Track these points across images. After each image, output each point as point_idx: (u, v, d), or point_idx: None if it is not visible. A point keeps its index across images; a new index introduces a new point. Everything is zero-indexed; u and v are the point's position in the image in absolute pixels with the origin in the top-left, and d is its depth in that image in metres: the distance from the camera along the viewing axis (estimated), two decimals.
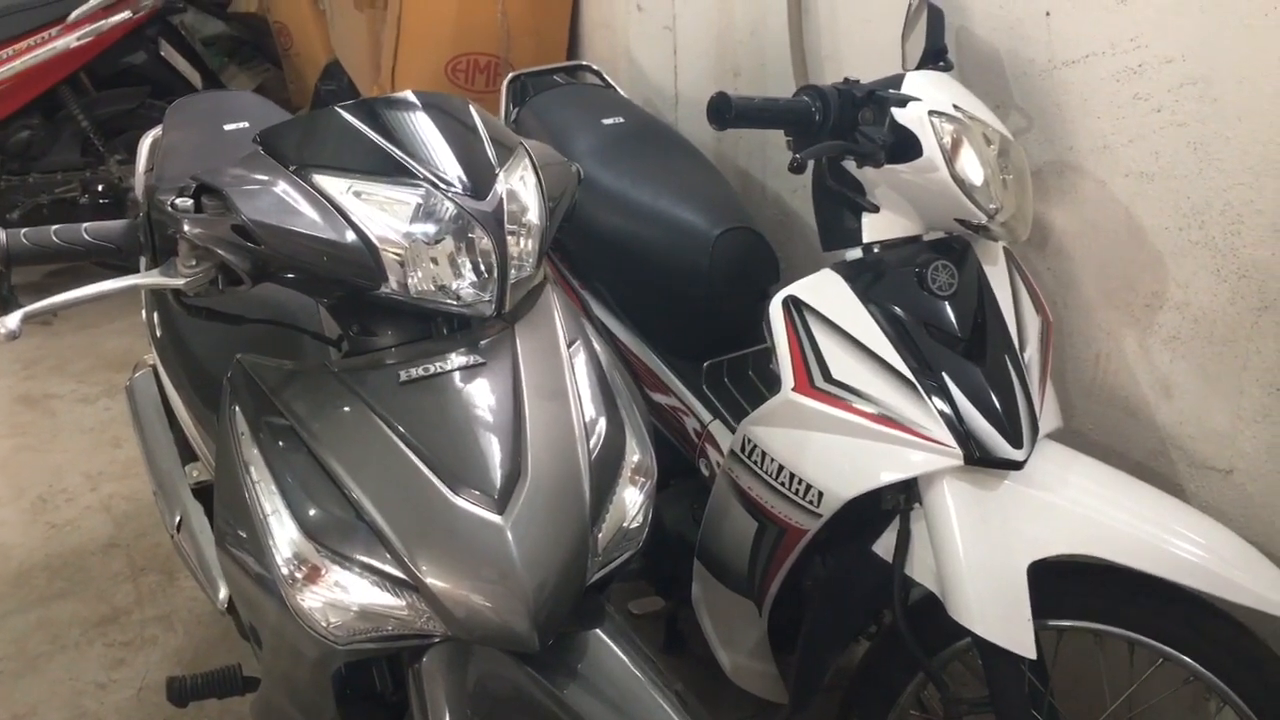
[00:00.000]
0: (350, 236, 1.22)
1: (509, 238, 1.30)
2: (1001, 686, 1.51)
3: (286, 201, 1.21)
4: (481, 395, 1.27)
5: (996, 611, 1.48)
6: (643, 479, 1.35)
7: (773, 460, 1.65)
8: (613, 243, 2.16)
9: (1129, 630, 1.54)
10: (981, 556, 1.50)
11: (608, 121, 2.39)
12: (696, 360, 2.11)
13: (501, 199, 1.30)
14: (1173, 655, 1.51)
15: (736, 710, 2.14)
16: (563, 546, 1.23)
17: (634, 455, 1.36)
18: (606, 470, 1.32)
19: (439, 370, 1.27)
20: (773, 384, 1.65)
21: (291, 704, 1.43)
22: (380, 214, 1.23)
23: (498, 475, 1.22)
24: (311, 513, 1.23)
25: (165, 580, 2.69)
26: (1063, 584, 1.55)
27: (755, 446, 1.68)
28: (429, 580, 1.18)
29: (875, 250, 1.62)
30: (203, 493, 1.96)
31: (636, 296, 2.21)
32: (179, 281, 1.20)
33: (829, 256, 1.68)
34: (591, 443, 1.31)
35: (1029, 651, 1.48)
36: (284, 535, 1.22)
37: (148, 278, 1.20)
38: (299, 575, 1.20)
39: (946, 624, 1.51)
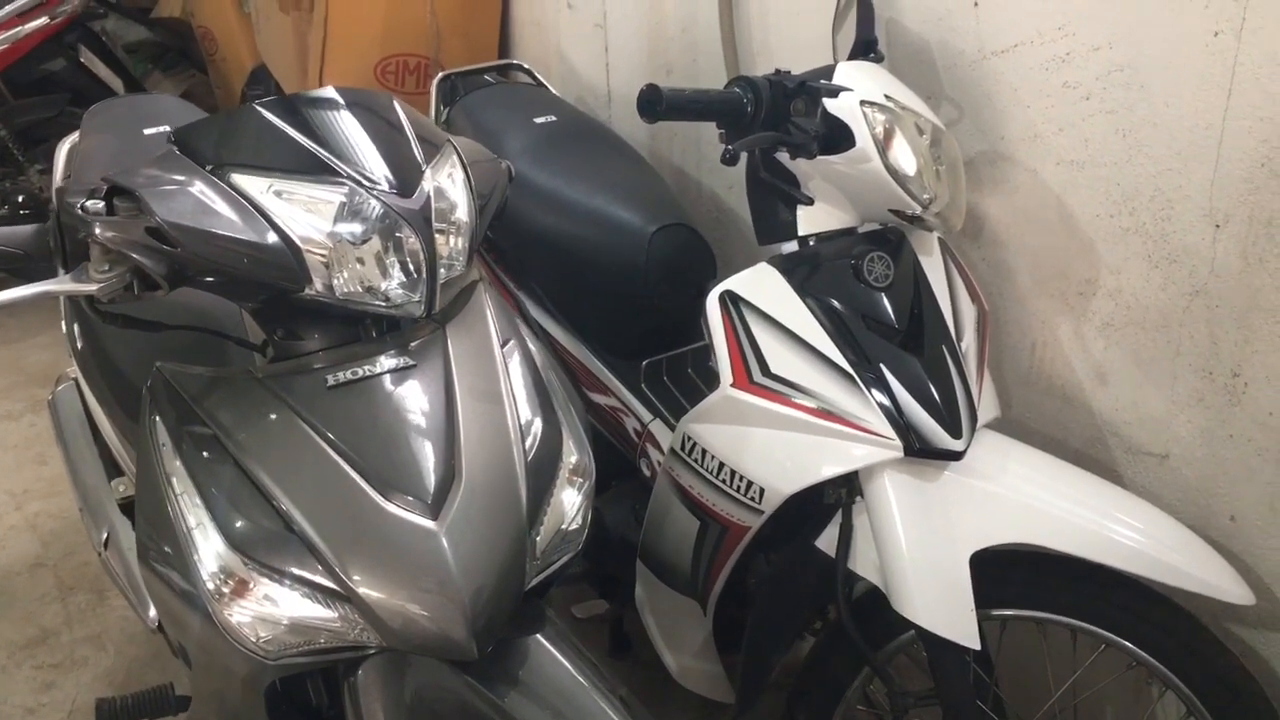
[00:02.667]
0: (271, 238, 1.18)
1: (437, 236, 1.27)
2: (946, 678, 1.50)
3: (203, 202, 1.17)
4: (413, 398, 1.24)
5: (940, 603, 1.48)
6: (581, 479, 1.33)
7: (713, 457, 1.63)
8: (547, 242, 2.13)
9: (1071, 618, 1.54)
10: (924, 548, 1.49)
11: (540, 120, 2.36)
12: (635, 359, 2.09)
13: (429, 197, 1.27)
14: (1115, 641, 1.51)
15: (683, 713, 2.12)
16: (500, 551, 1.20)
17: (571, 456, 1.34)
18: (543, 472, 1.29)
19: (368, 373, 1.24)
20: (712, 381, 1.63)
21: None
22: (303, 214, 1.20)
23: (431, 480, 1.19)
24: (238, 525, 1.19)
25: (95, 600, 2.61)
26: (1005, 573, 1.55)
27: (695, 444, 1.66)
28: (361, 590, 1.15)
29: (811, 243, 1.61)
30: (130, 508, 1.90)
31: (573, 296, 2.18)
32: (91, 287, 1.15)
33: (765, 251, 1.66)
34: (527, 444, 1.28)
35: (973, 642, 1.47)
36: (209, 549, 1.18)
37: (58, 284, 1.15)
38: (225, 590, 1.16)
39: (891, 618, 1.50)
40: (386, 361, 1.25)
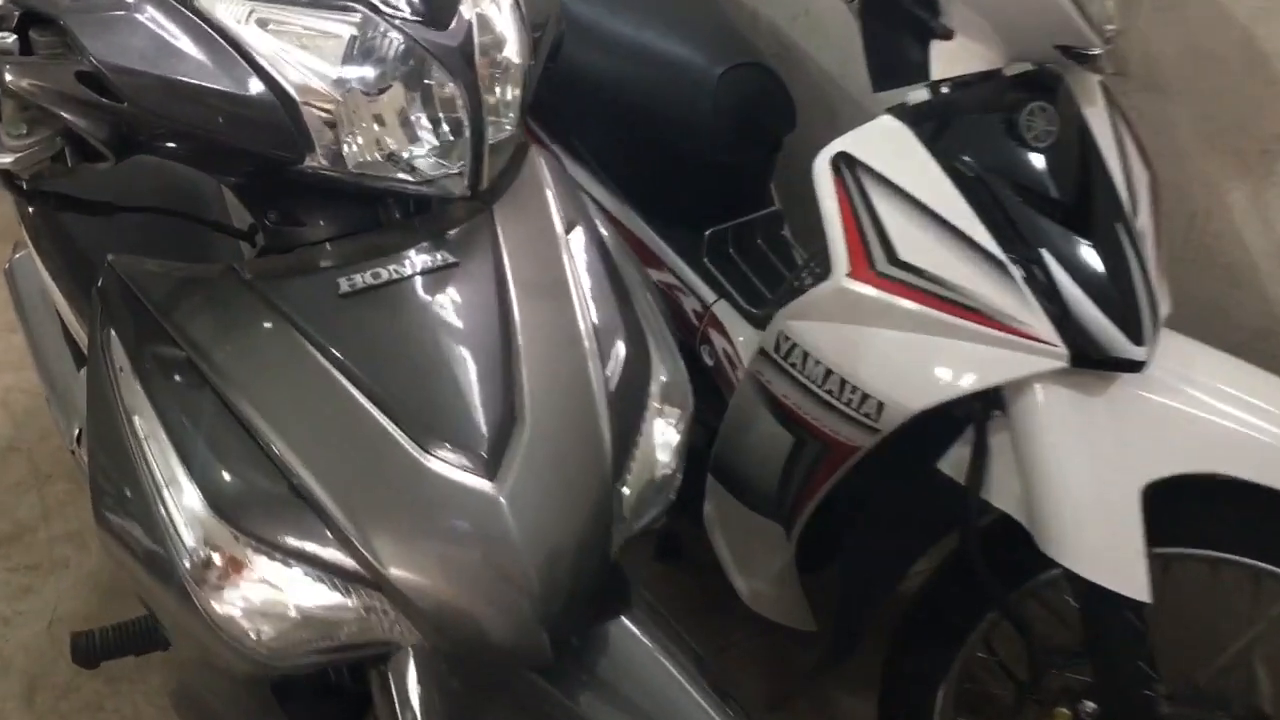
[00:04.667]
0: (255, 86, 0.85)
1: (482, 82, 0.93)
2: (1105, 635, 1.27)
3: (158, 36, 0.83)
4: (456, 310, 0.92)
5: (1102, 546, 1.22)
6: (676, 409, 1.02)
7: (818, 363, 1.32)
8: (590, 86, 1.78)
9: (1257, 559, 1.26)
10: (1085, 479, 1.22)
11: None
12: (696, 229, 1.77)
13: (470, 27, 0.92)
14: None
15: (745, 625, 1.86)
16: (578, 515, 0.91)
17: (661, 375, 1.03)
18: (629, 401, 0.98)
19: (394, 276, 0.92)
20: (786, 254, 1.32)
21: (220, 703, 1.12)
22: (298, 52, 0.86)
23: (484, 424, 0.88)
24: (224, 481, 0.88)
25: (75, 490, 2.34)
26: (1178, 505, 1.27)
27: (794, 345, 1.35)
28: (393, 572, 0.85)
29: (945, 90, 1.26)
30: None
31: (623, 152, 1.85)
32: (5, 159, 0.82)
33: (876, 100, 1.32)
34: (608, 369, 0.97)
35: (1142, 593, 1.21)
36: (186, 515, 0.88)
37: None
38: (211, 571, 0.87)
39: (1020, 556, 1.26)
40: (419, 259, 0.93)
